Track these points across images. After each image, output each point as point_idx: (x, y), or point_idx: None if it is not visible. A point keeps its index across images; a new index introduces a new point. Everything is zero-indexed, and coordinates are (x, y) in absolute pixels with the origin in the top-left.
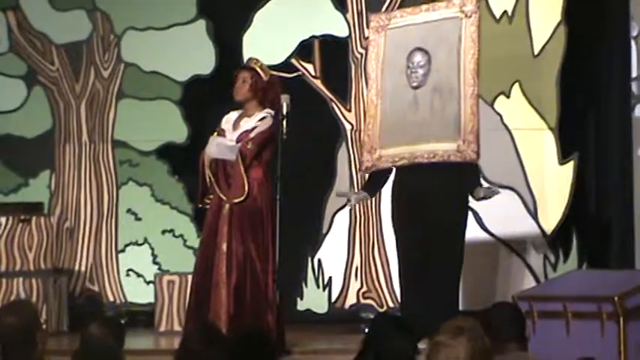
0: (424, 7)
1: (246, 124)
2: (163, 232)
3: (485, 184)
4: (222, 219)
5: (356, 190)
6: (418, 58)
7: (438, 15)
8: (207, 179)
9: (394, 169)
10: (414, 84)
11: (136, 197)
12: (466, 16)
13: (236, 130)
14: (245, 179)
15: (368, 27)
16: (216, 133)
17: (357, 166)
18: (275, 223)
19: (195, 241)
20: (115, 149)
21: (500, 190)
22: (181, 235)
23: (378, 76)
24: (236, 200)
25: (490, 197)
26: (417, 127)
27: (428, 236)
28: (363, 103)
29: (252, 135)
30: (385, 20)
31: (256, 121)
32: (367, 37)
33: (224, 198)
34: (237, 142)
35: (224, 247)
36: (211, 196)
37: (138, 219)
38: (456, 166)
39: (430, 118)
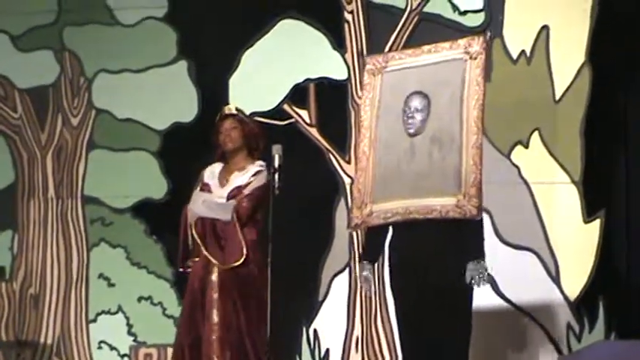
0: (426, 48)
1: (238, 178)
2: (140, 299)
3: (477, 265)
4: (210, 285)
5: (365, 268)
6: (416, 102)
7: (440, 57)
8: (191, 240)
9: (390, 227)
10: (411, 131)
11: (109, 260)
12: (471, 57)
13: (225, 185)
14: (243, 241)
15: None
16: (199, 189)
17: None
18: (267, 289)
19: (175, 310)
20: (85, 206)
21: (486, 282)
22: (160, 303)
23: (372, 124)
24: (234, 265)
25: (477, 283)
26: (412, 180)
27: (426, 304)
28: None
29: (246, 191)
30: (382, 62)
31: (250, 175)
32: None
33: (215, 262)
34: (229, 199)
35: (214, 316)
36: (195, 259)
37: (111, 285)
38: (458, 224)
39: (428, 170)
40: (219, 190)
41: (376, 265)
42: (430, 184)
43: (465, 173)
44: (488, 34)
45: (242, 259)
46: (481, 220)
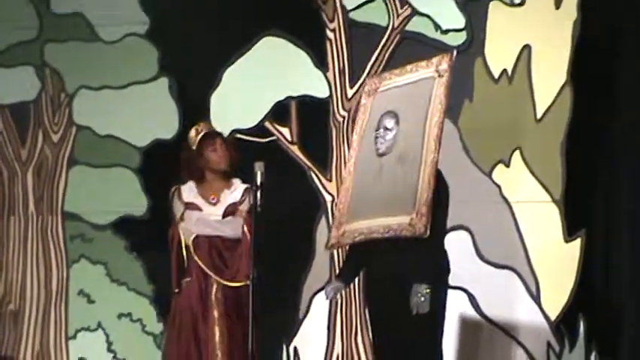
0: (409, 67)
1: (230, 196)
2: (119, 316)
3: (421, 289)
4: (211, 304)
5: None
6: (386, 122)
7: (416, 76)
8: (186, 259)
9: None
10: (380, 151)
11: (89, 277)
12: (439, 75)
13: (215, 204)
14: (253, 259)
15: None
16: (183, 208)
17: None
18: (249, 306)
19: (155, 326)
20: (65, 222)
21: (426, 308)
22: (140, 320)
23: (358, 144)
24: (242, 283)
25: (414, 308)
26: (377, 199)
27: (394, 324)
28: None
29: (245, 208)
30: (377, 83)
31: (241, 192)
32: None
33: (218, 279)
34: (224, 216)
35: (217, 335)
36: (188, 279)
37: (91, 301)
38: (414, 244)
39: (392, 189)
40: (211, 208)
41: (357, 283)
42: (391, 203)
43: (420, 191)
44: (454, 51)
45: (251, 277)
46: (434, 240)
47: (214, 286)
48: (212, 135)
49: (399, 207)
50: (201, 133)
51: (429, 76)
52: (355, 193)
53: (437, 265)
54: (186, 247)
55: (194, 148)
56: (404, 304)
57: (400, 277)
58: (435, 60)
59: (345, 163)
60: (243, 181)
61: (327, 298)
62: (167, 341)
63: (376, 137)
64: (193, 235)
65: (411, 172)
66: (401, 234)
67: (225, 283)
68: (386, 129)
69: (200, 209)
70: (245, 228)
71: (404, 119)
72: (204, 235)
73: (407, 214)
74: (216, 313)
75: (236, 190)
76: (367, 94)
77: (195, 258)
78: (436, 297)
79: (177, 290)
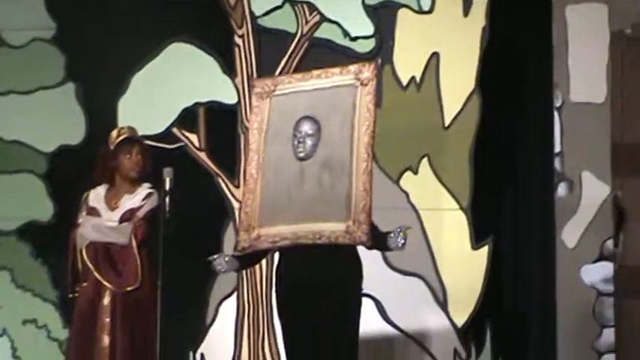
0: (315, 72)
1: (129, 201)
2: (25, 322)
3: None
4: (102, 309)
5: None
6: (306, 127)
7: (331, 82)
8: (80, 265)
9: (277, 254)
10: (301, 155)
11: None
12: (362, 84)
13: (115, 209)
14: (140, 265)
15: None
16: (85, 213)
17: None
18: (157, 313)
19: (60, 332)
20: None
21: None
22: (45, 326)
23: (260, 147)
24: (129, 288)
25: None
26: (301, 205)
27: (312, 328)
28: None
29: (141, 214)
30: (271, 86)
31: (142, 198)
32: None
33: (109, 286)
34: (122, 222)
35: (106, 340)
36: (84, 284)
37: None
38: (343, 250)
39: (317, 195)
40: (109, 214)
41: (264, 290)
42: (319, 209)
43: (355, 199)
44: (379, 60)
45: (138, 283)
46: (352, 249)
47: (106, 292)
48: (132, 141)
49: (329, 213)
50: (122, 137)
51: (348, 83)
52: (270, 196)
53: (356, 273)
54: (80, 252)
55: (112, 148)
56: (321, 312)
57: (319, 285)
58: (353, 68)
59: None
60: (152, 187)
61: (217, 267)
62: (67, 347)
63: (297, 142)
64: (87, 241)
65: (341, 180)
66: (336, 241)
67: (114, 289)
68: (307, 134)
69: (100, 215)
70: (132, 235)
71: (326, 125)
72: (98, 241)
73: (341, 221)
74: (106, 319)
75: (137, 195)
76: (259, 96)
77: (88, 264)
78: (355, 305)
79: (70, 295)
